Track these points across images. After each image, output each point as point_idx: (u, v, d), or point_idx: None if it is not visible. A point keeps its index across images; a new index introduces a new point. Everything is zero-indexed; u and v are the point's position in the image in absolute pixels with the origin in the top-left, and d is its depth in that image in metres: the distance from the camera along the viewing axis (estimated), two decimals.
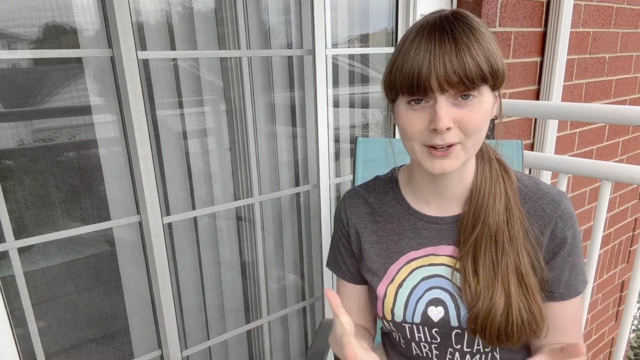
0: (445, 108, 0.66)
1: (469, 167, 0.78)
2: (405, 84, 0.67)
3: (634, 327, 4.37)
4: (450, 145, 0.69)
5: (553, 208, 0.76)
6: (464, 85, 0.65)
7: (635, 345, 4.33)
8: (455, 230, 0.80)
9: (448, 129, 0.66)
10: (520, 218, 0.75)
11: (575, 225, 0.77)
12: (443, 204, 0.81)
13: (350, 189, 0.92)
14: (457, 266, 0.78)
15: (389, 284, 0.82)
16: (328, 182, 1.62)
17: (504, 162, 0.81)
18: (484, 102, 0.68)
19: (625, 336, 1.36)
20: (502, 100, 0.77)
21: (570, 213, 0.77)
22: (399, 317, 0.81)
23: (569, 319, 0.80)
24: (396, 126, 0.79)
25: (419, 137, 0.70)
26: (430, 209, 0.82)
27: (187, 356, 1.50)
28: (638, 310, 4.15)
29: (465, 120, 0.67)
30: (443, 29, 0.65)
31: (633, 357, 4.17)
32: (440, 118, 0.65)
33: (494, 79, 0.67)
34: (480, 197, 0.76)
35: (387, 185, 0.87)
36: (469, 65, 0.64)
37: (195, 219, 1.51)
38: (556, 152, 2.08)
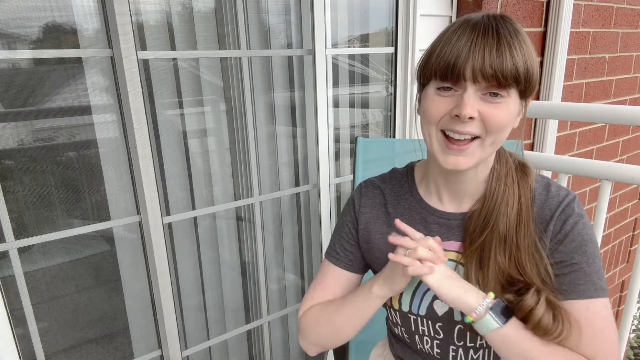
0: (473, 98, 0.66)
1: (485, 167, 0.77)
2: (440, 68, 0.67)
3: (634, 327, 4.38)
4: (467, 141, 0.69)
5: (555, 207, 0.76)
6: (497, 81, 0.65)
7: (635, 345, 4.33)
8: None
9: (471, 118, 0.67)
10: (530, 225, 0.75)
11: (579, 226, 0.74)
12: (455, 200, 0.81)
13: (367, 179, 0.92)
14: (462, 261, 0.78)
15: None
16: (328, 182, 1.62)
17: (525, 165, 0.80)
18: (511, 104, 0.68)
19: (625, 336, 1.36)
20: None
21: (570, 211, 0.75)
22: (405, 307, 0.82)
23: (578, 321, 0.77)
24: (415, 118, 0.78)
25: (439, 122, 0.70)
26: (442, 205, 0.82)
27: (187, 356, 1.50)
28: (638, 310, 4.15)
29: (489, 115, 0.67)
30: (489, 24, 0.66)
31: (633, 357, 4.17)
32: (465, 105, 0.66)
33: (526, 84, 0.68)
34: (492, 203, 0.76)
35: (402, 178, 0.88)
36: (506, 62, 0.64)
37: (195, 219, 1.51)
38: (556, 152, 2.08)
